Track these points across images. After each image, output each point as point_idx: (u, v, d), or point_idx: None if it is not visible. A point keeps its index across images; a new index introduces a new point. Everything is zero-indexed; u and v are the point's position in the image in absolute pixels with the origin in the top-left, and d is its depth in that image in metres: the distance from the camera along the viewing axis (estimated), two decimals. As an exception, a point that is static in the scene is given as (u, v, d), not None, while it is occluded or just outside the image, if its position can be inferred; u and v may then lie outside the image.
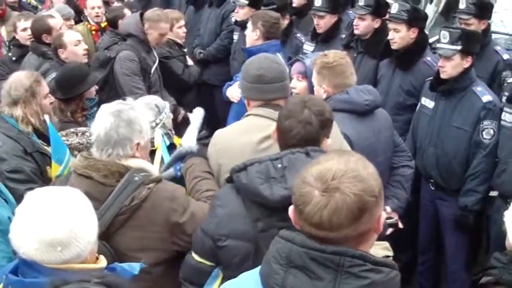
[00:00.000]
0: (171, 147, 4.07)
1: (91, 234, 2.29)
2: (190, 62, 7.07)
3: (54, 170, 3.99)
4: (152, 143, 3.69)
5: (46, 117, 4.14)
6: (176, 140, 4.21)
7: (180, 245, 3.13)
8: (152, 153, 3.73)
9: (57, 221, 2.20)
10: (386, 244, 3.74)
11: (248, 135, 3.38)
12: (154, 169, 3.32)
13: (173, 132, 4.24)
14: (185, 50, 7.14)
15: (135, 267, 2.47)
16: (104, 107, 3.20)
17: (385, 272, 1.86)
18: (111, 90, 5.91)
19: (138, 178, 3.05)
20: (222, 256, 2.90)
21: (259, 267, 2.02)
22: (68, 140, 4.27)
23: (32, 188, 3.82)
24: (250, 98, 3.56)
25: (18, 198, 3.73)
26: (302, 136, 2.91)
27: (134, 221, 3.04)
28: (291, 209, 1.95)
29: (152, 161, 3.75)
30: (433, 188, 5.20)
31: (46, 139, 4.11)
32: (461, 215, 4.95)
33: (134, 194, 3.01)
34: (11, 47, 6.90)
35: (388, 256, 3.87)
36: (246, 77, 3.58)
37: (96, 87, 5.10)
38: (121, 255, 2.96)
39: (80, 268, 2.23)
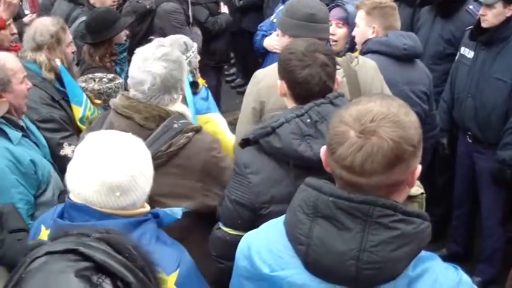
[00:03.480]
0: (193, 85, 4.09)
1: (148, 184, 2.28)
2: (224, 9, 6.90)
3: (76, 112, 3.96)
4: None
5: (57, 61, 4.06)
6: (200, 80, 4.21)
7: (211, 197, 3.09)
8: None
9: (121, 166, 2.18)
10: (418, 182, 3.65)
11: None
12: (190, 113, 3.26)
13: (198, 71, 4.23)
14: (218, -4, 6.98)
15: (177, 212, 2.44)
16: (142, 53, 3.09)
17: (416, 223, 1.77)
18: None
19: (177, 125, 3.01)
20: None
21: (283, 216, 1.94)
22: (88, 86, 4.22)
23: (66, 137, 3.90)
24: (298, 36, 3.38)
25: (54, 148, 3.78)
26: (324, 81, 2.79)
27: (169, 167, 2.99)
28: (323, 149, 1.85)
29: None
30: (470, 141, 5.05)
31: (65, 86, 4.07)
32: (499, 170, 4.80)
33: (172, 140, 2.97)
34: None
35: (422, 193, 3.78)
36: (293, 15, 3.50)
37: (127, 32, 5.01)
38: (150, 200, 2.91)
39: (130, 213, 2.23)
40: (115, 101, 3.17)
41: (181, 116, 3.09)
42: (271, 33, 5.16)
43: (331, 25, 4.75)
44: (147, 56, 3.06)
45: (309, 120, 2.66)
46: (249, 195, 2.79)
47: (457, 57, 5.10)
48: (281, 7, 5.45)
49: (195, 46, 4.24)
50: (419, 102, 4.16)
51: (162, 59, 3.04)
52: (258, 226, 2.12)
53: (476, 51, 4.87)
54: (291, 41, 2.96)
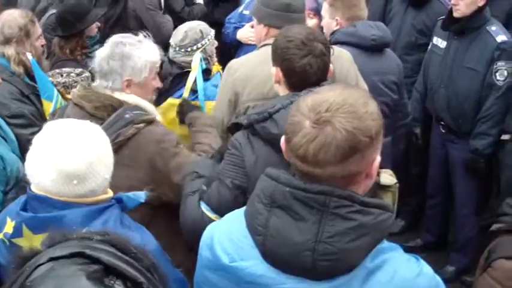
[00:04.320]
0: (206, 72, 4.18)
1: (107, 171, 2.27)
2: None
3: (47, 107, 3.91)
4: (189, 64, 4.07)
5: (28, 55, 4.00)
6: (216, 67, 4.35)
7: (161, 193, 3.01)
8: (187, 74, 4.07)
9: (77, 154, 2.16)
10: (390, 172, 3.64)
11: (269, 65, 3.16)
12: (152, 109, 3.23)
13: (214, 58, 4.33)
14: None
15: (140, 195, 2.42)
16: (113, 37, 3.18)
17: (374, 213, 1.75)
18: (124, 29, 5.73)
19: (129, 115, 2.98)
20: None
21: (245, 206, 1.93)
22: (55, 80, 4.17)
23: (36, 133, 3.81)
24: (274, 25, 3.42)
25: (24, 144, 3.72)
26: (322, 70, 2.79)
27: (118, 158, 2.90)
28: (282, 138, 1.83)
29: (185, 82, 4.03)
30: (443, 131, 5.06)
31: (35, 80, 4.00)
32: (472, 159, 4.83)
33: (121, 130, 2.93)
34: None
35: (396, 183, 3.77)
36: (269, 4, 3.48)
37: (98, 24, 4.96)
38: None
39: (91, 201, 2.22)
40: (73, 91, 3.20)
41: (137, 107, 3.07)
42: (242, 25, 5.13)
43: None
44: (110, 39, 3.15)
45: None
46: (244, 175, 2.74)
47: (429, 47, 5.10)
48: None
49: (211, 33, 4.30)
50: (389, 93, 4.15)
51: (110, 45, 3.10)
52: None
53: (449, 41, 4.87)
54: (286, 28, 2.92)
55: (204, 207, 2.79)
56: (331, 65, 2.89)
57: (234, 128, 2.85)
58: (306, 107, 1.74)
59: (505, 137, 4.75)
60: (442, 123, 5.03)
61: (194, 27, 4.25)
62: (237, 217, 1.93)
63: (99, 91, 3.09)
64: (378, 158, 1.82)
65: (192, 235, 2.74)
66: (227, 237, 1.91)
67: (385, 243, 1.82)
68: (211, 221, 2.70)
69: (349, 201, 1.72)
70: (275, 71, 2.86)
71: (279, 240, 1.74)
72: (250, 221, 1.83)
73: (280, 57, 2.83)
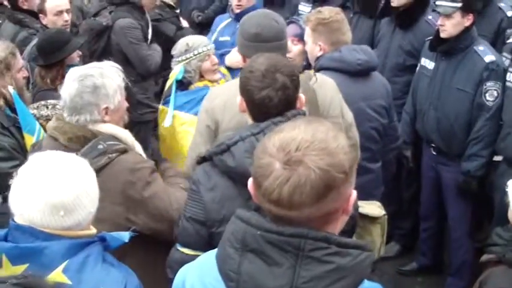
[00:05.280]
0: (183, 83, 4.47)
1: (93, 205, 2.25)
2: (184, 23, 6.85)
3: (28, 141, 3.84)
4: (169, 73, 4.46)
5: (10, 88, 3.94)
6: (205, 82, 4.49)
7: (135, 222, 2.95)
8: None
9: (65, 185, 2.15)
10: (378, 203, 3.54)
11: None
12: (126, 135, 3.18)
13: (197, 74, 4.48)
14: (177, 11, 6.92)
15: (124, 235, 2.38)
16: (71, 72, 3.12)
17: (353, 254, 1.65)
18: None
19: (102, 146, 2.95)
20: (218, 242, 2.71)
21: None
22: (39, 113, 4.10)
23: (16, 166, 3.72)
24: (247, 55, 3.34)
25: (3, 177, 3.63)
26: (283, 103, 2.69)
27: None
28: (250, 181, 1.74)
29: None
30: (434, 153, 5.00)
31: (16, 112, 3.93)
32: (464, 181, 4.76)
33: (93, 160, 2.85)
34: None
35: (384, 215, 3.68)
36: (243, 34, 3.42)
37: (80, 53, 4.91)
38: None
39: (75, 235, 2.19)
40: (49, 123, 3.18)
41: (112, 137, 3.03)
42: (226, 51, 5.09)
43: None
44: (70, 75, 3.09)
45: None
46: (203, 212, 2.72)
47: (417, 68, 5.06)
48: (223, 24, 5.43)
49: (201, 50, 4.46)
50: (378, 117, 4.07)
51: (77, 80, 3.04)
52: (215, 245, 2.02)
53: (437, 62, 4.83)
54: (253, 58, 2.86)
55: (178, 245, 2.82)
56: (302, 96, 2.81)
57: (202, 162, 2.80)
58: (273, 147, 1.64)
59: (497, 158, 4.69)
60: (433, 145, 4.97)
61: (186, 39, 4.53)
62: (209, 260, 1.84)
63: (71, 122, 3.06)
64: (354, 193, 1.73)
65: (169, 269, 2.83)
66: (200, 281, 1.82)
67: (366, 284, 1.74)
68: (184, 254, 2.78)
69: (325, 243, 1.63)
70: (239, 101, 2.80)
71: (253, 286, 1.65)
72: (222, 266, 1.73)
73: (242, 88, 2.77)
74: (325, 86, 3.47)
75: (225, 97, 3.30)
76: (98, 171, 2.82)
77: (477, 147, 4.65)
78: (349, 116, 3.56)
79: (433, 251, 5.41)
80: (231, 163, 2.60)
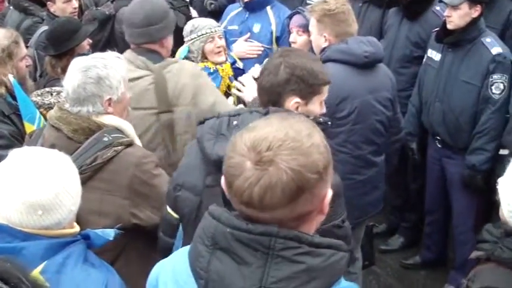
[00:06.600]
0: None
1: (74, 203, 2.20)
2: (194, 13, 6.77)
3: (28, 130, 3.83)
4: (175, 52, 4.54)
5: (10, 76, 3.93)
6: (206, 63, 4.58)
7: (139, 217, 2.94)
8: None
9: (43, 184, 2.09)
10: None
11: None
12: (131, 130, 3.15)
13: (199, 55, 4.61)
14: (187, 0, 6.86)
15: (109, 233, 2.34)
16: (74, 62, 3.07)
17: (325, 254, 1.61)
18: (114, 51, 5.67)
19: (107, 139, 2.92)
20: (177, 207, 2.76)
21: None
22: (42, 101, 4.08)
23: None
24: (129, 42, 3.78)
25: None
26: (267, 88, 2.80)
27: (95, 182, 2.88)
28: (222, 179, 1.70)
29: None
30: (440, 146, 4.93)
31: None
32: (469, 175, 4.69)
33: (98, 154, 2.87)
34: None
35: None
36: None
37: (90, 41, 4.88)
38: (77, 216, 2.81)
39: (55, 234, 2.14)
40: (50, 112, 3.12)
41: (116, 130, 3.00)
42: (233, 41, 5.06)
43: (291, 33, 4.64)
44: (73, 65, 3.03)
45: (235, 123, 2.59)
46: (175, 174, 2.83)
47: (424, 59, 4.98)
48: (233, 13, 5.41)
49: (204, 31, 4.57)
50: (384, 110, 4.00)
51: (80, 70, 2.99)
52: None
53: (443, 54, 4.75)
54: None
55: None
56: (296, 100, 2.84)
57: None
58: (244, 146, 1.59)
59: (503, 152, 4.60)
60: (438, 138, 4.90)
61: (193, 21, 4.74)
62: (182, 256, 1.80)
63: (76, 113, 3.01)
64: (329, 192, 1.68)
65: (160, 226, 2.93)
66: (172, 278, 1.80)
67: (343, 283, 1.70)
68: (166, 212, 2.84)
69: (296, 243, 1.59)
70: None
71: (221, 285, 1.61)
72: (193, 263, 1.70)
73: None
74: (179, 74, 3.64)
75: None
76: (104, 164, 2.86)
77: (482, 140, 4.58)
78: (207, 102, 3.67)
79: (437, 245, 5.35)
80: (198, 133, 2.69)
